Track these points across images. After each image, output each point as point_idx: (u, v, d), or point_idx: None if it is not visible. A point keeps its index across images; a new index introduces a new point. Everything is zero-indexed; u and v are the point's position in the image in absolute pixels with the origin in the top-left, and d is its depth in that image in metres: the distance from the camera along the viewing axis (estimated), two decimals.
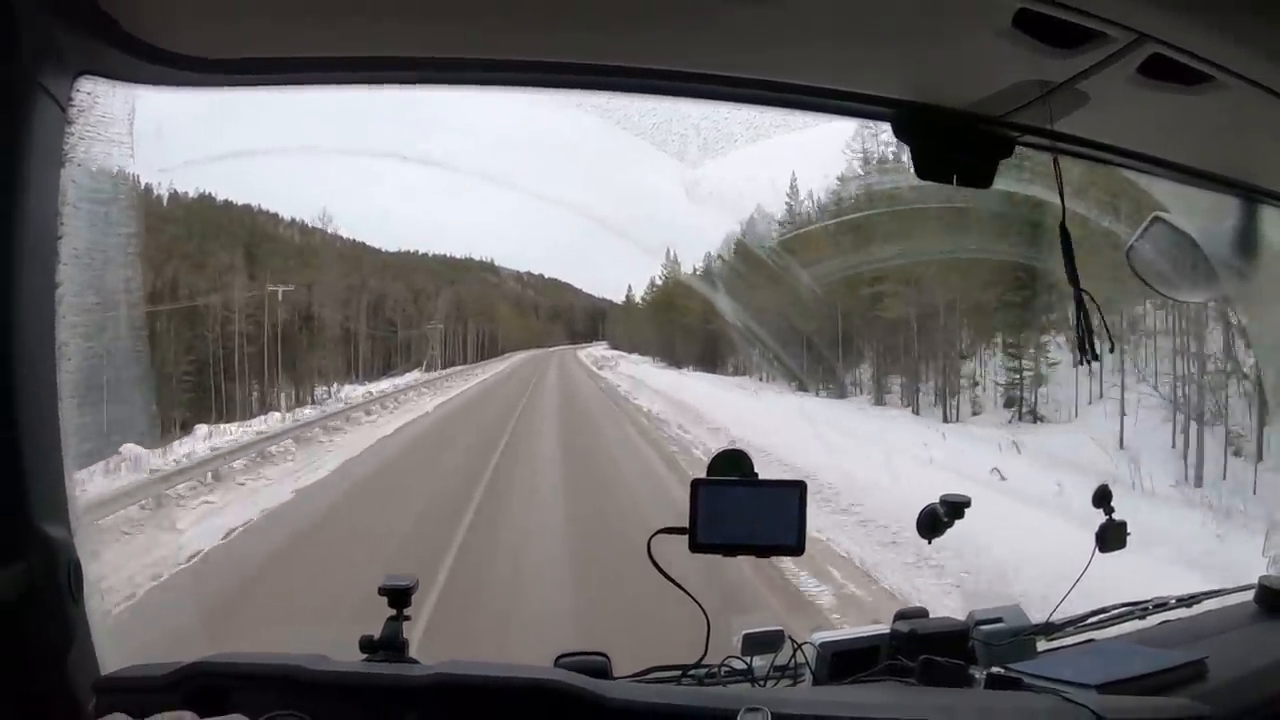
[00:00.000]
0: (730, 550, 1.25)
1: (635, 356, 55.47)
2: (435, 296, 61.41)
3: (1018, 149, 1.43)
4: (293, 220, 51.06)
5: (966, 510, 1.48)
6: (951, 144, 1.37)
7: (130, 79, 1.24)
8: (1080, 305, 1.27)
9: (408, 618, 1.29)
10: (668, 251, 51.65)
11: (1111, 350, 1.32)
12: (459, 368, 50.81)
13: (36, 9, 1.05)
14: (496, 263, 69.85)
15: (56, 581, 1.10)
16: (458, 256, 67.24)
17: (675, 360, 49.53)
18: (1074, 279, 1.28)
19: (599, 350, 64.66)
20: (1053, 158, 1.34)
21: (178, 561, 7.88)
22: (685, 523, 1.26)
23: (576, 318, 77.93)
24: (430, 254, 65.13)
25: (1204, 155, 1.54)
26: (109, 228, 1.45)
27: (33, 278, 1.10)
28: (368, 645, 1.26)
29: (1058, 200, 1.34)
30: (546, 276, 74.57)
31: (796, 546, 1.24)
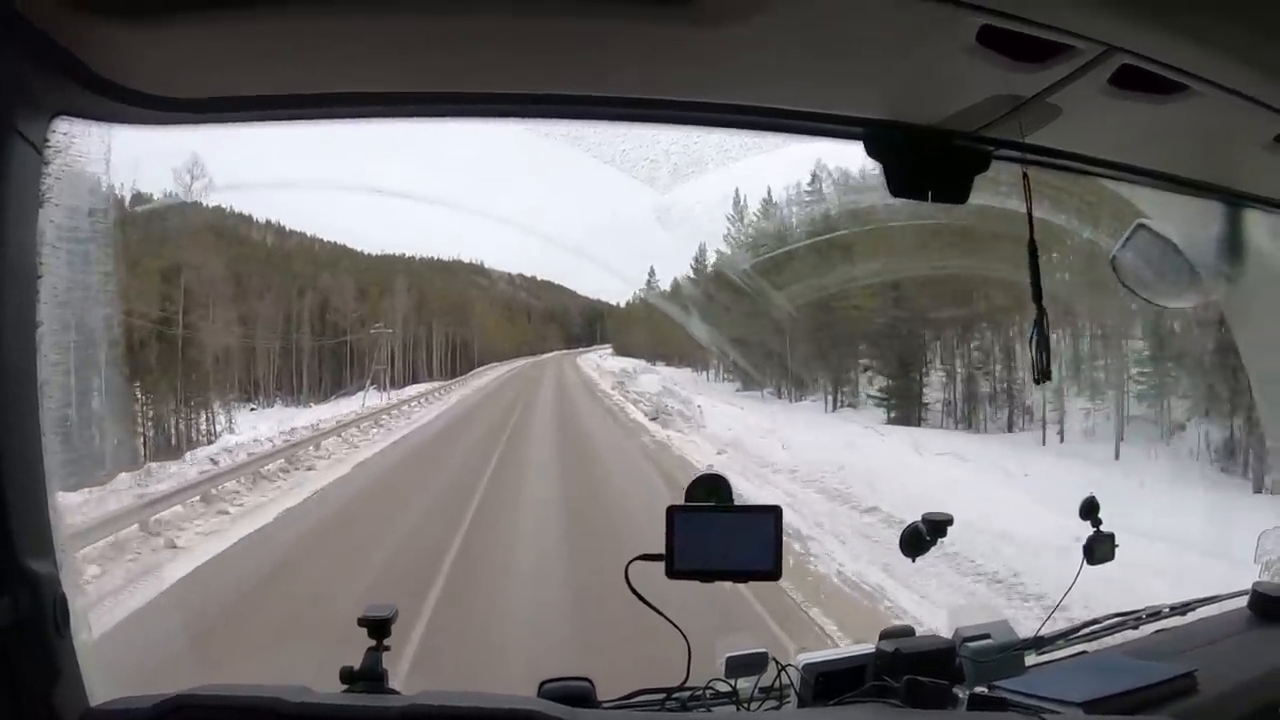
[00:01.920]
0: (707, 576, 1.25)
1: (665, 369, 41.88)
2: (388, 295, 48.91)
3: (994, 164, 1.42)
4: (268, 222, 45.23)
5: (949, 528, 1.47)
6: (925, 161, 1.36)
7: (104, 119, 1.25)
8: (1039, 323, 1.27)
9: (387, 648, 1.29)
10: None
11: (1049, 377, 1.31)
12: (419, 388, 38.31)
13: (8, 53, 1.06)
14: (487, 264, 60.94)
15: (42, 615, 1.11)
16: (445, 259, 56.95)
17: (743, 376, 35.07)
18: (1037, 295, 1.28)
19: (606, 359, 53.18)
20: (1023, 171, 1.33)
21: None
22: None
23: (573, 320, 69.33)
24: (416, 256, 55.16)
25: (1182, 162, 1.53)
26: (88, 266, 1.47)
27: (13, 316, 1.11)
28: (348, 676, 1.27)
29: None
30: (540, 279, 65.63)
31: (772, 571, 1.24)
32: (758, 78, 1.23)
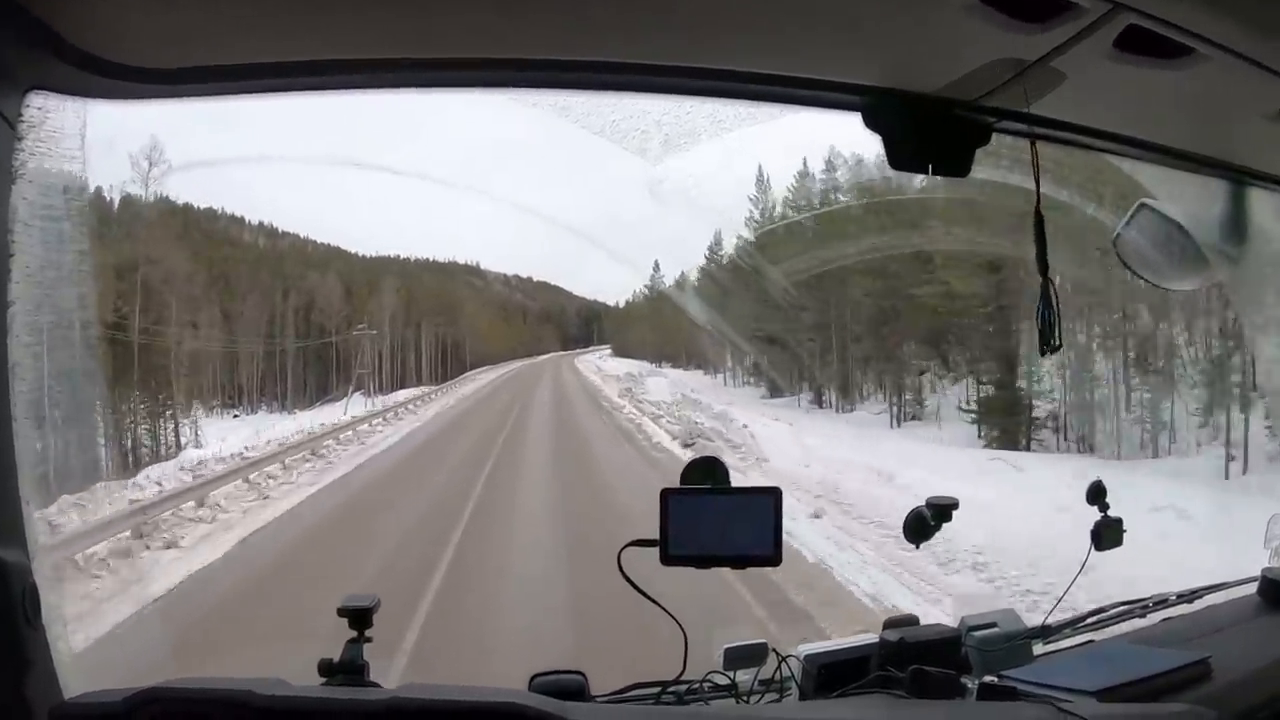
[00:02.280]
0: (703, 562, 1.20)
1: (672, 371, 38.55)
2: (375, 295, 46.14)
3: (995, 136, 1.38)
4: (260, 224, 44.10)
5: (954, 512, 1.43)
6: (926, 132, 1.32)
7: (80, 93, 1.21)
8: (1045, 295, 1.23)
9: (369, 639, 1.24)
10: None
11: (1059, 346, 1.28)
12: (405, 394, 35.37)
13: None
14: (482, 265, 59.42)
15: (10, 606, 1.06)
16: (441, 260, 55.38)
17: (767, 380, 31.23)
18: (1043, 268, 1.24)
19: (607, 360, 49.95)
20: (1030, 141, 1.29)
21: None
22: None
23: (569, 320, 66.92)
24: (412, 258, 53.48)
25: (1188, 135, 1.50)
26: (62, 244, 1.42)
27: None
28: (326, 668, 1.22)
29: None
30: (535, 279, 63.94)
31: (773, 556, 1.19)
32: (749, 43, 1.19)
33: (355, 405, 31.58)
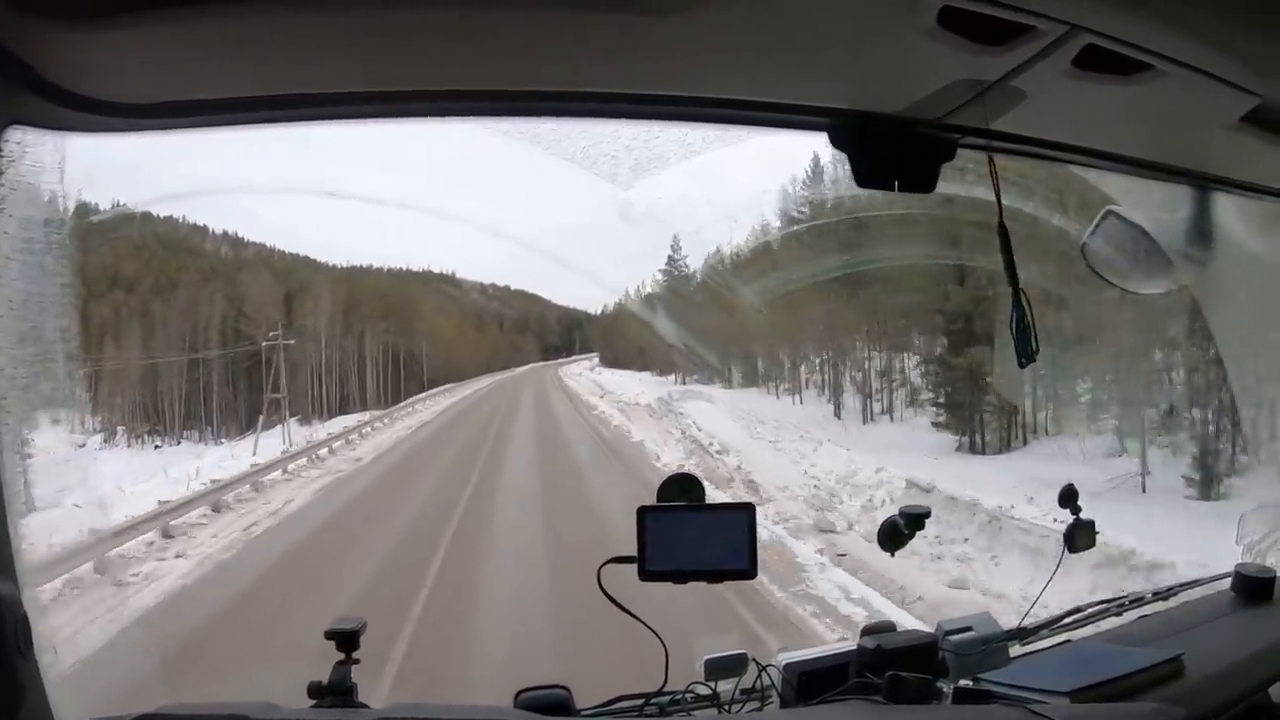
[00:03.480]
0: (680, 577, 1.23)
1: (719, 391, 30.05)
2: (306, 299, 38.14)
3: (960, 151, 1.41)
4: (224, 234, 39.40)
5: (926, 520, 1.46)
6: (890, 150, 1.35)
7: (58, 127, 1.22)
8: (1018, 305, 1.26)
9: (356, 661, 1.27)
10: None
11: (1036, 355, 1.31)
12: (340, 421, 29.23)
13: None
14: (458, 275, 52.93)
15: (3, 637, 1.08)
16: (415, 269, 49.57)
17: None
18: (1013, 279, 1.27)
19: (601, 373, 42.57)
20: (988, 157, 1.32)
21: None
22: None
23: (549, 329, 61.17)
24: (386, 268, 47.22)
25: (1150, 146, 1.53)
26: (44, 278, 1.44)
27: None
28: (316, 691, 1.24)
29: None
30: (513, 288, 58.11)
31: (748, 570, 1.22)
32: (716, 70, 1.21)
33: (273, 440, 26.37)
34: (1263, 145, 1.48)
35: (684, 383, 34.52)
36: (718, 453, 17.00)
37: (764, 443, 18.72)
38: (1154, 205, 1.67)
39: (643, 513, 1.23)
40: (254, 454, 22.83)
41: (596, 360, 50.40)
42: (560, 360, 56.92)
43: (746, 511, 1.24)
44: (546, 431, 22.60)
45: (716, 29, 1.10)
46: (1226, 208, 1.66)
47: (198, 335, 34.21)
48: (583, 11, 1.07)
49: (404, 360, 43.80)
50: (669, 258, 37.90)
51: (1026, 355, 1.33)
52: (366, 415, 31.04)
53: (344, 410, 36.95)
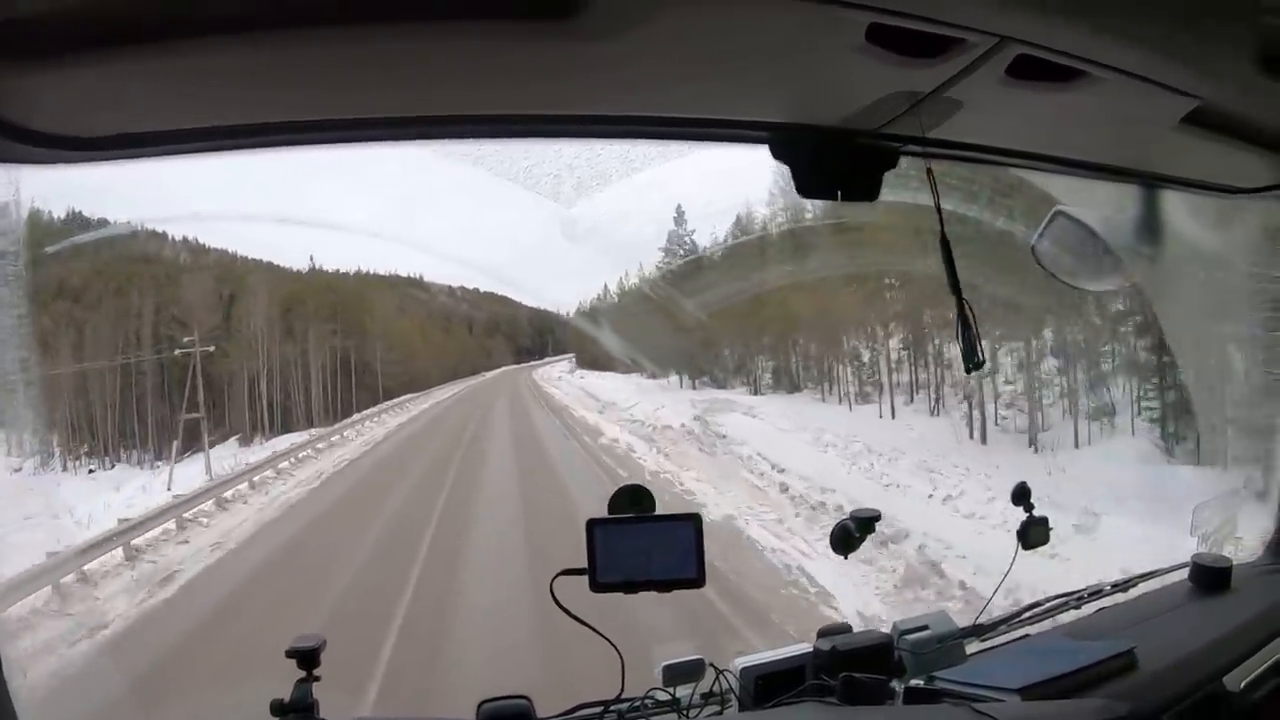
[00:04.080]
0: (630, 587, 1.25)
1: (724, 394, 25.51)
2: (245, 299, 33.21)
3: (903, 160, 1.43)
4: (183, 240, 34.74)
5: (877, 524, 1.48)
6: (831, 161, 1.37)
7: (11, 160, 1.24)
8: (961, 314, 1.28)
9: (317, 678, 1.29)
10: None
11: (983, 363, 1.33)
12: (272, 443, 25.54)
13: None
14: (426, 278, 48.83)
15: None
16: (382, 273, 45.13)
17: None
18: (956, 288, 1.29)
19: (586, 377, 36.51)
20: (926, 166, 1.35)
21: None
22: None
23: (521, 330, 57.66)
24: (350, 272, 42.19)
25: (1092, 148, 1.55)
26: (1, 309, 1.45)
27: None
28: (278, 709, 1.26)
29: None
30: (482, 290, 54.28)
31: (696, 579, 1.25)
32: (653, 88, 1.23)
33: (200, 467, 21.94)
34: (1204, 144, 1.51)
35: (694, 387, 28.86)
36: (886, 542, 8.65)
37: (922, 498, 11.57)
38: (1102, 204, 1.69)
39: (592, 525, 1.26)
40: (169, 487, 19.41)
41: (573, 362, 45.10)
42: (534, 363, 53.28)
43: (693, 521, 1.27)
44: (539, 495, 12.69)
45: (653, 50, 1.12)
46: (1173, 205, 1.69)
47: (130, 346, 30.02)
48: (521, 35, 1.09)
49: (356, 368, 37.06)
50: (670, 235, 31.60)
51: (974, 363, 1.35)
52: (304, 436, 25.20)
53: (286, 428, 30.91)
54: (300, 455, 21.02)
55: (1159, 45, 1.21)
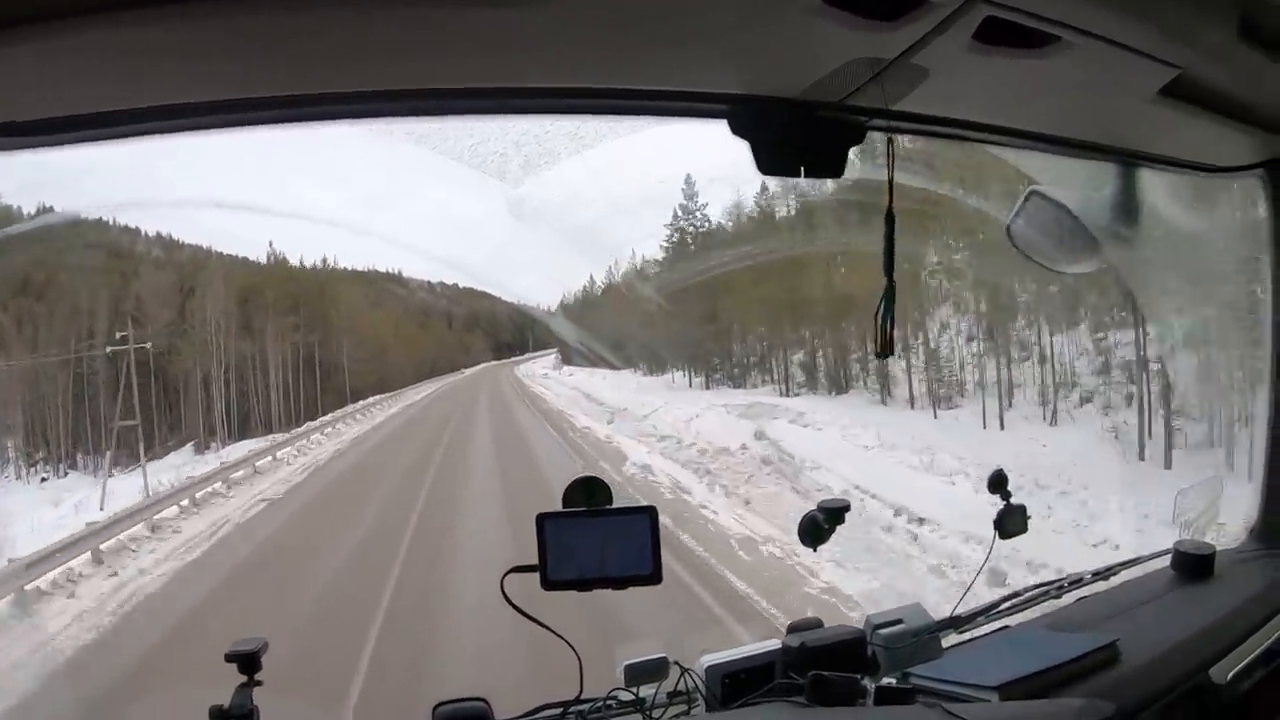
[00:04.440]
0: (584, 585, 1.19)
1: (751, 397, 21.17)
2: (200, 293, 29.81)
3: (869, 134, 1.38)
4: (157, 235, 31.33)
5: (846, 515, 1.42)
6: (793, 135, 1.31)
7: None
8: (888, 296, 1.24)
9: (259, 683, 1.22)
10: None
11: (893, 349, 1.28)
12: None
13: None
14: (404, 274, 45.52)
15: None
16: (360, 269, 41.60)
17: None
18: (889, 269, 1.24)
19: (566, 372, 33.76)
20: (888, 138, 1.29)
21: None
22: None
23: (501, 326, 54.94)
24: (318, 264, 37.27)
25: (1066, 121, 1.50)
26: None
27: None
28: (217, 715, 1.20)
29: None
30: (461, 286, 51.14)
31: (651, 575, 1.19)
32: (604, 59, 1.17)
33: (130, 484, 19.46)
34: (1182, 119, 1.46)
35: (707, 386, 25.77)
36: None
37: None
38: (1077, 183, 1.64)
39: (542, 520, 1.20)
40: (101, 506, 17.16)
41: (556, 357, 42.22)
42: (515, 358, 50.72)
43: (648, 514, 1.21)
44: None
45: (600, 17, 1.07)
46: (1149, 183, 1.64)
47: (83, 343, 26.90)
48: (456, 7, 1.03)
49: (322, 367, 33.10)
50: (681, 208, 27.28)
51: (884, 348, 1.30)
52: (263, 443, 22.41)
53: (245, 433, 28.11)
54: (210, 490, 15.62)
55: (1137, 8, 1.16)
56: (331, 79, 1.18)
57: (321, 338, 33.75)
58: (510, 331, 55.39)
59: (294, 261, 35.84)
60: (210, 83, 1.17)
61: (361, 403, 31.53)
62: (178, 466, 22.54)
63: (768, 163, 1.32)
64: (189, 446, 26.26)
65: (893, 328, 1.24)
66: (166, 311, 29.06)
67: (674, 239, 28.22)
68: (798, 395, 22.00)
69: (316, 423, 26.60)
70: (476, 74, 1.19)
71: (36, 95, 1.12)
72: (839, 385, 21.56)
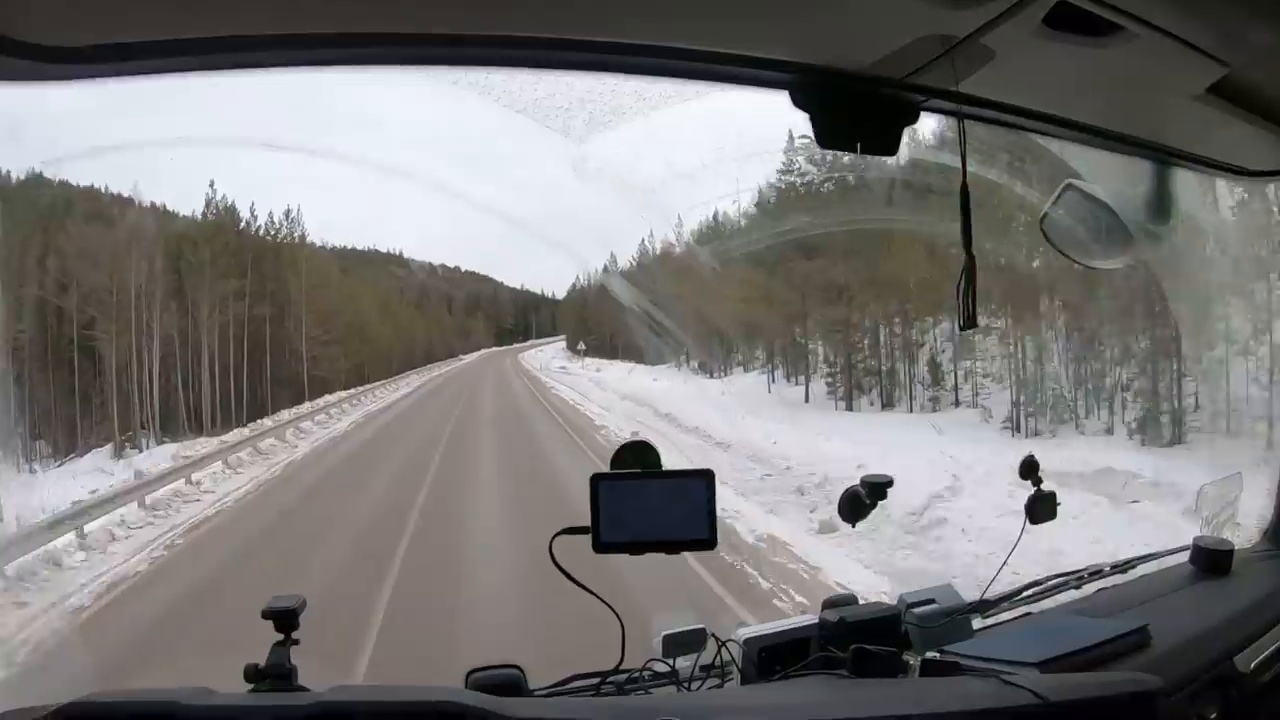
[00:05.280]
0: (636, 548, 1.18)
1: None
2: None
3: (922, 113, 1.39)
4: (152, 205, 25.27)
5: (889, 490, 1.43)
6: (853, 111, 1.32)
7: None
8: (969, 272, 1.24)
9: (296, 641, 1.19)
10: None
11: (975, 322, 1.28)
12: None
13: None
14: (405, 254, 42.98)
15: None
16: (360, 248, 38.88)
17: None
18: (968, 245, 1.25)
19: (591, 366, 29.77)
20: (958, 120, 1.30)
21: None
22: None
23: (503, 311, 52.62)
24: (328, 245, 32.43)
25: (1116, 114, 1.52)
26: None
27: None
28: (253, 674, 1.17)
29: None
30: (464, 269, 49.24)
31: (708, 539, 1.18)
32: (676, 18, 1.17)
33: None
34: (1225, 118, 1.49)
35: (849, 403, 20.12)
36: None
37: None
38: (1115, 179, 1.67)
39: (596, 481, 1.18)
40: None
41: (568, 345, 38.22)
42: (517, 345, 47.25)
43: (705, 478, 1.20)
44: None
45: None
46: (1189, 183, 1.67)
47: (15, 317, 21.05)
48: None
49: (276, 354, 26.21)
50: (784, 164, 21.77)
51: (968, 320, 1.31)
52: (196, 448, 17.18)
53: (171, 434, 22.33)
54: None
55: (1197, 4, 1.18)
56: (402, 20, 1.15)
57: (274, 312, 26.76)
58: (513, 316, 52.22)
59: (253, 215, 28.23)
60: (264, 16, 1.14)
61: (321, 401, 24.23)
62: (89, 473, 17.52)
63: (826, 137, 1.33)
64: (109, 448, 21.07)
65: (973, 301, 1.24)
66: (97, 274, 23.17)
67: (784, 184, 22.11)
68: (877, 409, 16.38)
69: (254, 427, 19.92)
70: (543, 25, 1.18)
71: (86, 19, 1.09)
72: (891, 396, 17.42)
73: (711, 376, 22.60)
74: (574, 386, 22.09)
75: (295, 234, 28.97)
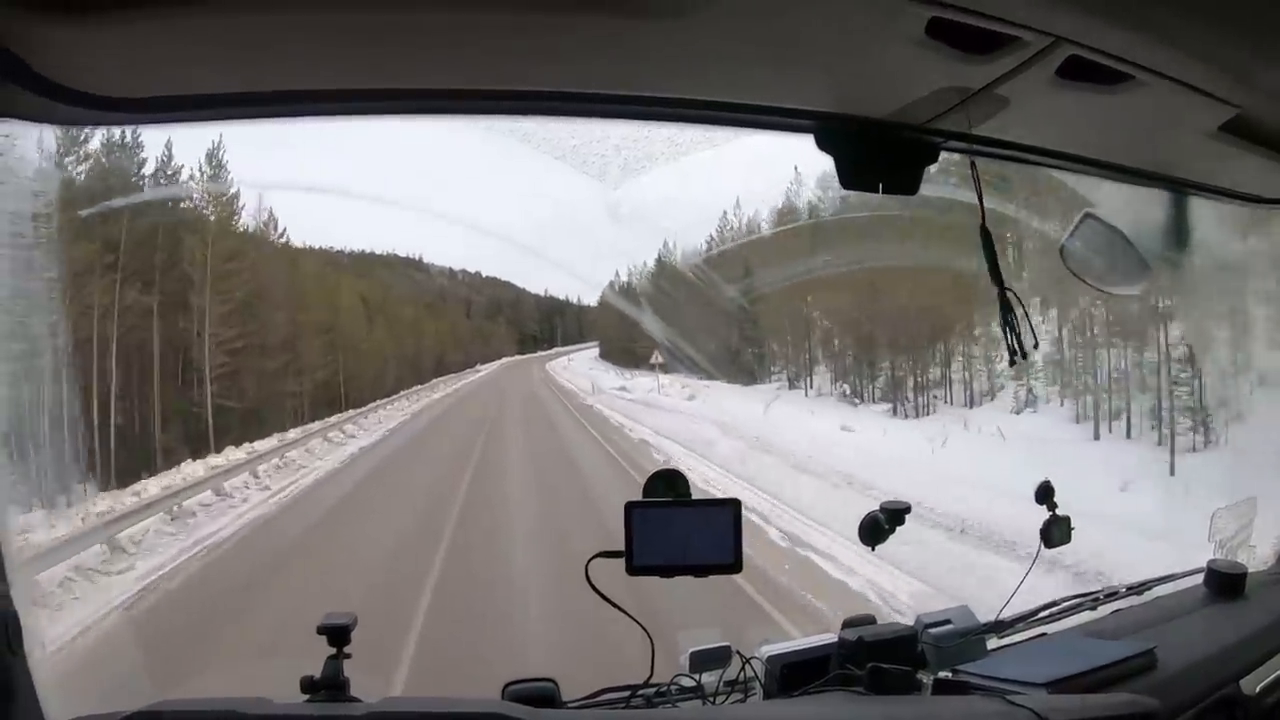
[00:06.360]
0: (667, 571, 1.25)
1: None
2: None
3: (943, 155, 1.44)
4: None
5: (907, 516, 1.49)
6: (875, 153, 1.38)
7: (44, 120, 1.23)
8: (1005, 305, 1.29)
9: (348, 655, 1.28)
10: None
11: (1035, 347, 1.34)
12: None
13: None
14: (425, 259, 41.65)
15: None
16: (379, 253, 37.88)
17: None
18: (997, 279, 1.30)
19: (678, 386, 23.19)
20: (970, 161, 1.35)
21: None
22: None
23: (526, 316, 50.17)
24: (347, 250, 33.44)
25: (1129, 152, 1.56)
26: (31, 273, 1.43)
27: None
28: (309, 685, 1.25)
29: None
30: (484, 275, 47.37)
31: (733, 564, 1.25)
32: (707, 71, 1.23)
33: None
34: (1240, 153, 1.52)
35: (895, 413, 17.12)
36: None
37: None
38: (1132, 209, 1.71)
39: (630, 509, 1.26)
40: None
41: (594, 351, 35.90)
42: (543, 353, 45.18)
43: (732, 507, 1.27)
44: None
45: (706, 32, 1.12)
46: (1203, 213, 1.70)
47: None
48: (574, 12, 1.08)
49: (249, 378, 20.54)
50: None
51: (1018, 353, 1.36)
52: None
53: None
54: None
55: (1204, 53, 1.22)
56: (446, 76, 1.23)
57: (270, 315, 19.97)
58: (538, 322, 48.87)
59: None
60: (324, 72, 1.22)
61: (265, 442, 16.05)
62: None
63: (849, 178, 1.39)
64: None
65: (1018, 333, 1.29)
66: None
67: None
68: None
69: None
70: (582, 79, 1.25)
71: (142, 73, 1.17)
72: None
73: (898, 414, 16.17)
74: (674, 436, 14.62)
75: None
